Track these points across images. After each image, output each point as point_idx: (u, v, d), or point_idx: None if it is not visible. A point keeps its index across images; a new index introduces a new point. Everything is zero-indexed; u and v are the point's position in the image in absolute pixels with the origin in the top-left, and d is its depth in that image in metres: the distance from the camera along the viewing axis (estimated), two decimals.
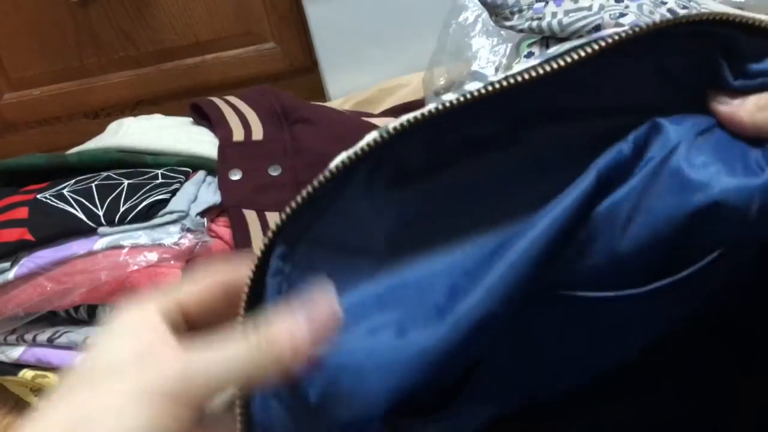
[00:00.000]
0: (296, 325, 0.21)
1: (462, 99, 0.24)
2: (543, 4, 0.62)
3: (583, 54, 0.24)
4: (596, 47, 0.24)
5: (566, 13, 0.60)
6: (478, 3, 0.69)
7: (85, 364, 0.23)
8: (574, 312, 0.28)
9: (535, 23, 0.62)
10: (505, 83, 0.24)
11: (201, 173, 0.63)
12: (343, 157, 0.24)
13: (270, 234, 0.24)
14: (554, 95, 0.25)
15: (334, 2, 1.04)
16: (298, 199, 0.24)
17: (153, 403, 0.21)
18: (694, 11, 0.27)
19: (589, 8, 0.60)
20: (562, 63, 0.24)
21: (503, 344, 0.28)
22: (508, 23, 0.65)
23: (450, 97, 0.24)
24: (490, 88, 0.24)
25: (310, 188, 0.24)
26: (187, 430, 0.21)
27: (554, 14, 0.61)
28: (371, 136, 0.24)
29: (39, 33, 1.11)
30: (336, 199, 0.25)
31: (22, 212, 0.57)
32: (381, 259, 0.25)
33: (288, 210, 0.24)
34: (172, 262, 0.53)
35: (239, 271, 0.25)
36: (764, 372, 0.32)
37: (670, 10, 0.59)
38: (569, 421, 0.34)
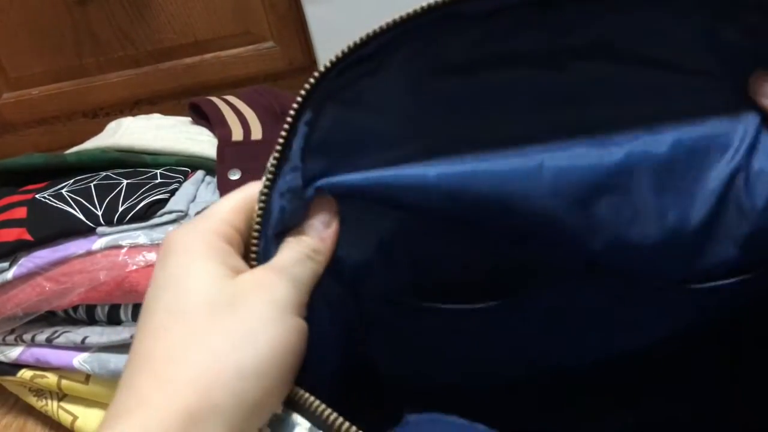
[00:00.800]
0: (321, 233, 0.26)
1: None
2: None
3: None
4: None
5: None
6: None
7: (176, 305, 0.22)
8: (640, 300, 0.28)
9: None
10: None
11: (200, 173, 0.63)
12: (395, 17, 0.24)
13: (302, 93, 0.25)
14: (611, 30, 0.25)
15: (334, 2, 1.04)
16: (340, 53, 0.25)
17: (282, 320, 0.22)
18: None
19: None
20: None
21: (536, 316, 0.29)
22: None
23: None
24: None
25: (354, 44, 0.24)
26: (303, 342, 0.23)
27: None
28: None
29: (38, 32, 1.11)
30: (376, 69, 0.25)
31: (21, 212, 0.57)
32: (405, 136, 0.26)
33: (328, 63, 0.25)
34: None
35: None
36: (759, 373, 0.32)
37: None
38: (572, 428, 0.34)
